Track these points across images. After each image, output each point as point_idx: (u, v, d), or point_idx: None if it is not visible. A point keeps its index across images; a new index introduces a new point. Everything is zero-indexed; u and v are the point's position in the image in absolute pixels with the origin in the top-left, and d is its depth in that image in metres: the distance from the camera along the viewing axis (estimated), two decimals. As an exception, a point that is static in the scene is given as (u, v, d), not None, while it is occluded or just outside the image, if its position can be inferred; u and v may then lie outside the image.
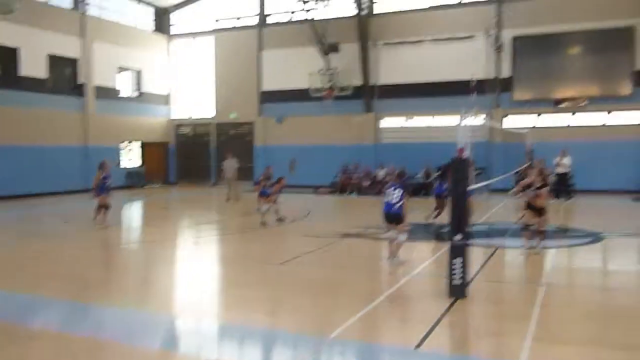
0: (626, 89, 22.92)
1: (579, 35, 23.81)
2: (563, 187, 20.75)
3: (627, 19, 22.68)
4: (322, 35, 26.25)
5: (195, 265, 11.09)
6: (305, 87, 27.43)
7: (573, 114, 23.88)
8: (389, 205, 10.07)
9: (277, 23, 29.41)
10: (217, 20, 30.90)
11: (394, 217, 10.07)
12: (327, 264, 10.63)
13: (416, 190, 22.36)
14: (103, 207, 15.15)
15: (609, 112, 23.40)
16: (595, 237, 12.88)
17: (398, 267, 9.95)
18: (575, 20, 23.42)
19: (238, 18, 30.41)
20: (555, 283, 8.99)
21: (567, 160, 20.83)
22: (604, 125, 23.46)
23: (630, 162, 22.55)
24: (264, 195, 15.57)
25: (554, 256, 11.02)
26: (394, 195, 10.00)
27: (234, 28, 30.52)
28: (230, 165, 23.03)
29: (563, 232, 13.67)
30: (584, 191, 21.79)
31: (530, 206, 10.93)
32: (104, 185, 15.18)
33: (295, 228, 15.27)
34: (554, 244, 11.69)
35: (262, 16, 29.73)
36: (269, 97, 29.42)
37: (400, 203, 9.96)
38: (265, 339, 6.69)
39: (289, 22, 28.67)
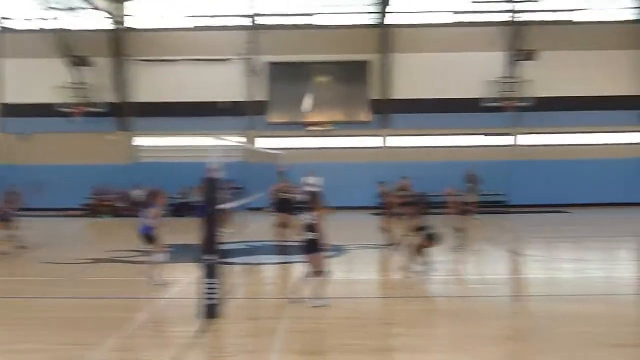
0: (366, 116, 25.73)
1: (326, 66, 26.13)
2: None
3: (364, 54, 25.55)
4: (70, 47, 24.54)
5: None
6: (53, 102, 25.22)
7: (321, 137, 25.94)
8: (141, 226, 10.03)
9: (20, 30, 26.60)
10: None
11: (146, 237, 10.03)
12: (75, 294, 9.83)
13: (176, 210, 21.99)
14: None
15: (351, 137, 25.96)
16: (339, 250, 14.04)
17: (157, 288, 9.70)
18: (322, 52, 25.61)
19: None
20: (301, 296, 9.55)
21: (315, 180, 22.19)
22: (347, 148, 25.93)
23: (368, 181, 25.11)
24: (4, 220, 13.93)
25: (302, 269, 11.70)
26: (146, 215, 9.99)
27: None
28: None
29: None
30: (331, 208, 23.62)
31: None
32: None
33: (40, 255, 13.87)
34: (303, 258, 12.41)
35: (2, 20, 26.65)
36: (12, 111, 26.38)
37: (152, 223, 9.94)
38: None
39: (35, 31, 26.11)
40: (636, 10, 25.84)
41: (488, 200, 24.62)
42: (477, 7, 26.03)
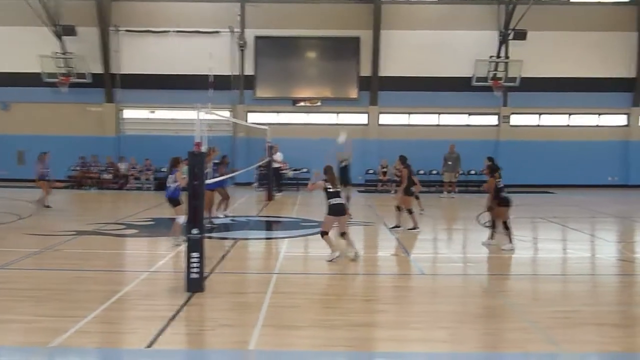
0: (354, 92, 25.60)
1: (314, 41, 25.86)
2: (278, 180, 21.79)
3: (354, 30, 25.27)
4: (55, 15, 24.06)
5: None
6: (36, 71, 24.74)
7: (308, 113, 25.83)
8: (167, 190, 11.35)
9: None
10: None
11: (170, 200, 11.32)
12: (57, 265, 9.76)
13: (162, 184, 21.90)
14: None
15: (338, 113, 25.85)
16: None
17: (177, 246, 10.81)
18: (311, 26, 25.29)
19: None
20: (287, 271, 9.59)
21: (278, 156, 21.90)
22: (336, 124, 25.82)
23: (357, 159, 25.15)
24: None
25: (286, 245, 11.74)
26: (170, 179, 11.23)
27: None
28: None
29: (295, 223, 14.62)
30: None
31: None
32: None
33: (20, 226, 13.77)
34: (287, 234, 12.45)
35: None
36: (-8, 80, 25.87)
37: (176, 187, 11.11)
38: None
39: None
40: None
41: (472, 179, 24.76)
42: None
